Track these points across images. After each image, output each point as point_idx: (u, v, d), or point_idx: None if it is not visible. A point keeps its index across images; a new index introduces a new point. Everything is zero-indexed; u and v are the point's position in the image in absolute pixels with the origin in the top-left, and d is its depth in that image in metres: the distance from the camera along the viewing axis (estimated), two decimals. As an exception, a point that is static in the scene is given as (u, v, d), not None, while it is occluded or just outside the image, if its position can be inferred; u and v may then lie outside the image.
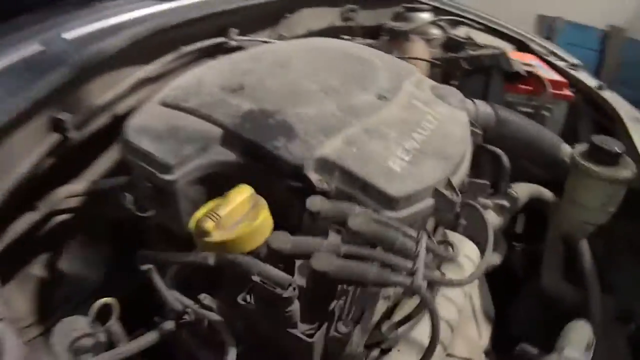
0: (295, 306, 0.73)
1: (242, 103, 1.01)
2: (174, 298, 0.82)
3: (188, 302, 0.82)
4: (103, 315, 0.83)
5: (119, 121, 1.05)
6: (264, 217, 0.80)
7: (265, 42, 1.58)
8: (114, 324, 0.82)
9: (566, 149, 1.41)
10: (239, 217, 0.79)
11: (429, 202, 0.94)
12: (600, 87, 1.75)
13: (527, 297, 1.43)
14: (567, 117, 1.69)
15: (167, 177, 0.88)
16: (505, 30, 2.19)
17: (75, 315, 0.86)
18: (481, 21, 2.24)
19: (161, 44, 1.36)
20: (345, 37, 1.93)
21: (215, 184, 0.91)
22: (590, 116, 1.74)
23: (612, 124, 1.61)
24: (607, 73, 4.33)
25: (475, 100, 1.35)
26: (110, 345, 0.83)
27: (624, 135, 1.48)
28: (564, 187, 1.39)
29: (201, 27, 1.46)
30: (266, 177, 0.89)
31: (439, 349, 0.89)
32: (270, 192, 0.86)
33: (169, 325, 0.83)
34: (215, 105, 1.00)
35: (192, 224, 0.78)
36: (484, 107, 1.35)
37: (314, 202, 0.80)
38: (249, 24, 1.64)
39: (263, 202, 0.82)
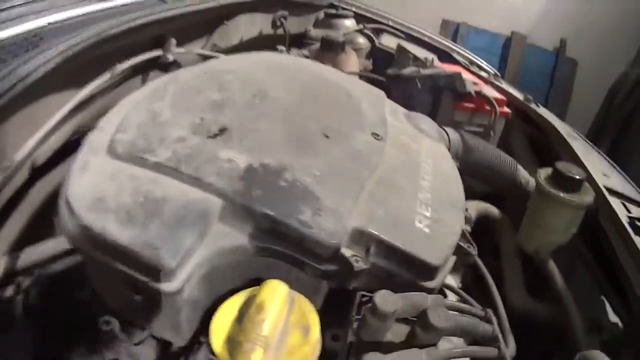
0: None
1: (234, 156, 0.79)
2: None
3: None
4: None
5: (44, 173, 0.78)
6: (316, 325, 0.64)
7: (208, 55, 1.36)
8: None
9: (523, 172, 1.43)
10: (281, 324, 0.63)
11: (452, 259, 0.86)
12: (527, 100, 1.80)
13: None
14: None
15: (167, 286, 0.64)
16: (427, 40, 2.18)
17: None
18: (403, 29, 2.20)
19: (91, 63, 1.08)
20: (280, 47, 1.77)
21: (221, 274, 0.72)
22: (521, 130, 1.79)
23: (546, 138, 1.67)
24: (509, 77, 4.54)
25: (445, 129, 1.28)
26: None
27: (564, 151, 1.54)
28: (517, 206, 1.41)
29: (136, 38, 1.20)
30: (289, 261, 0.72)
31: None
32: (293, 277, 0.70)
33: None
34: (200, 161, 0.77)
35: (230, 356, 0.59)
36: (453, 135, 1.30)
37: (387, 300, 0.66)
38: (183, 33, 1.41)
39: (303, 300, 0.66)
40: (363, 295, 0.74)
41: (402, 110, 1.22)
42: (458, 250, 0.88)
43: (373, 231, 0.74)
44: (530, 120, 1.76)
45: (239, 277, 0.73)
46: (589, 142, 1.60)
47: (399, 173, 0.91)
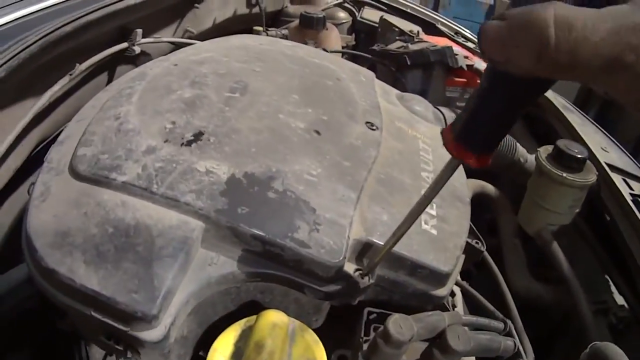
0: None
1: (213, 166, 0.68)
2: None
3: None
4: None
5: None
6: (323, 357, 0.56)
7: (179, 43, 1.24)
8: None
9: (521, 150, 1.35)
10: (287, 349, 0.55)
11: (462, 259, 0.79)
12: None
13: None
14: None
15: (150, 335, 0.55)
16: (410, 11, 2.06)
17: None
18: (384, 0, 2.08)
19: (46, 68, 0.96)
20: (257, 27, 1.64)
21: (210, 305, 0.63)
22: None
23: (540, 111, 1.59)
24: None
25: (440, 109, 1.19)
26: None
27: (560, 125, 1.47)
28: (512, 182, 1.35)
29: (96, 33, 1.07)
30: (286, 284, 0.63)
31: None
32: (292, 298, 0.61)
33: None
34: (174, 176, 0.65)
35: None
36: (449, 116, 1.21)
37: (400, 326, 0.57)
38: (151, 22, 1.28)
39: (305, 330, 0.58)
40: (370, 313, 0.67)
41: (394, 91, 1.13)
42: (466, 248, 0.80)
43: (378, 241, 0.66)
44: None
45: (232, 303, 0.64)
46: (583, 113, 1.53)
47: (398, 167, 0.82)
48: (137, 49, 1.28)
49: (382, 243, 0.66)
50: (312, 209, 0.66)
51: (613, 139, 1.44)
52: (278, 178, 0.69)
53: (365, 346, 0.62)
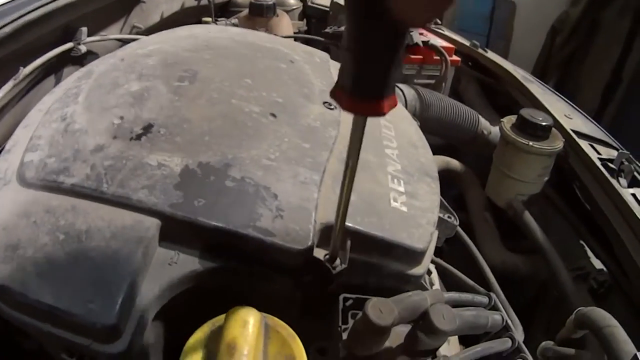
0: None
1: (165, 159, 0.63)
2: None
3: None
4: None
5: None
6: (301, 352, 0.51)
7: (127, 39, 1.17)
8: None
9: (484, 123, 1.34)
10: (261, 347, 0.50)
11: (435, 234, 0.76)
12: (474, 46, 1.70)
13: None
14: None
15: (113, 347, 0.50)
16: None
17: None
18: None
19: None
20: (206, 19, 1.57)
21: (176, 305, 0.57)
22: (472, 78, 1.69)
23: (499, 84, 1.59)
24: (447, 23, 4.28)
25: (399, 86, 1.16)
26: None
27: (521, 96, 1.46)
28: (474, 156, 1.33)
29: (39, 34, 1.00)
30: (253, 277, 0.58)
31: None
32: (260, 295, 0.57)
33: None
34: (125, 173, 0.60)
35: None
36: (409, 92, 1.18)
37: (381, 311, 0.52)
38: (96, 19, 1.20)
39: (279, 325, 0.53)
40: (346, 299, 0.62)
41: None
42: (439, 223, 0.77)
43: (348, 224, 0.62)
44: (480, 67, 1.66)
45: (198, 303, 0.58)
46: (543, 84, 1.53)
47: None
48: (83, 48, 1.22)
49: (351, 225, 0.61)
50: (273, 194, 0.61)
51: (575, 106, 1.44)
52: (235, 165, 0.64)
53: (344, 335, 0.58)
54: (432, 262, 0.86)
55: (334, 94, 0.41)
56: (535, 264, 1.22)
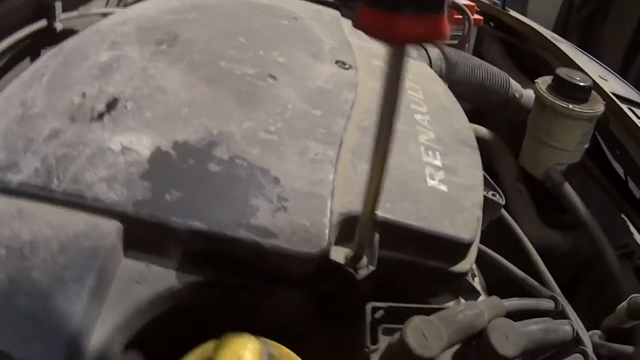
0: None
1: (131, 140, 0.47)
2: None
3: None
4: None
5: None
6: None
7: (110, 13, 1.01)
8: None
9: (515, 85, 1.16)
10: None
11: (481, 220, 0.59)
12: (495, 4, 1.51)
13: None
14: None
15: None
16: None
17: None
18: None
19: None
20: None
21: (153, 332, 0.42)
22: (495, 38, 1.50)
23: (525, 44, 1.40)
24: None
25: (423, 45, 0.99)
26: None
27: (551, 57, 1.28)
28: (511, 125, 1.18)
29: (8, 8, 0.85)
30: (250, 293, 0.43)
31: None
32: (261, 315, 0.41)
33: None
34: (80, 164, 0.46)
35: None
36: (433, 52, 1.00)
37: (425, 334, 0.36)
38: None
39: (284, 354, 0.38)
40: (375, 309, 0.46)
41: None
42: (484, 204, 0.60)
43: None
44: (503, 27, 1.47)
45: (179, 329, 0.43)
46: (571, 44, 1.34)
47: None
48: (59, 26, 1.06)
49: (380, 214, 0.45)
50: (274, 179, 0.45)
51: (608, 68, 1.26)
52: (222, 143, 0.48)
53: (374, 358, 0.42)
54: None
55: (359, 17, 0.29)
56: (577, 241, 1.06)
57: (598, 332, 0.71)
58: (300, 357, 0.40)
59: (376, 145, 0.36)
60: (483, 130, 1.26)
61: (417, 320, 0.37)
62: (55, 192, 0.44)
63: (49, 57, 0.69)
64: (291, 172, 0.46)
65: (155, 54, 0.61)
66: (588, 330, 0.66)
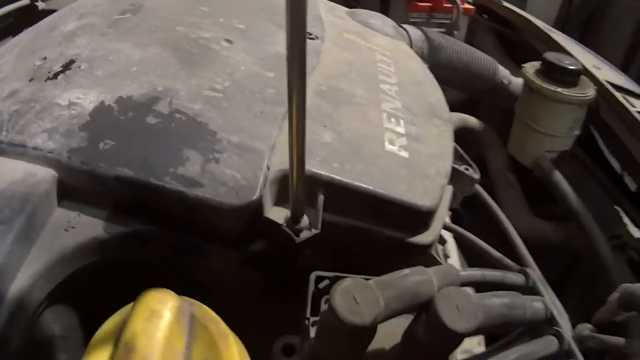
0: None
1: (79, 96, 0.46)
2: None
3: None
4: None
5: None
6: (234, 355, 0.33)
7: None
8: None
9: (503, 71, 1.12)
10: (180, 349, 0.32)
11: (449, 191, 0.56)
12: (489, -4, 1.48)
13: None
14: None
15: None
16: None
17: None
18: None
19: None
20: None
21: (79, 290, 0.40)
22: (488, 28, 1.47)
23: (518, 35, 1.36)
24: None
25: (404, 26, 0.95)
26: None
27: (544, 46, 1.24)
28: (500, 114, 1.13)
29: None
30: (179, 250, 0.40)
31: None
32: (200, 271, 0.38)
33: None
34: (29, 118, 0.45)
35: None
36: (414, 32, 0.97)
37: (356, 298, 0.32)
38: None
39: (208, 316, 0.34)
40: (320, 278, 0.42)
41: (343, 9, 0.89)
42: (453, 176, 0.57)
43: (319, 171, 0.42)
44: (496, 20, 1.44)
45: (107, 284, 0.40)
46: (565, 36, 1.30)
47: (347, 78, 0.59)
48: (41, 5, 1.05)
49: (324, 173, 0.42)
50: (210, 132, 0.42)
51: (603, 58, 1.22)
52: (164, 98, 0.45)
53: (313, 331, 0.38)
54: (447, 228, 0.66)
55: None
56: (568, 232, 1.01)
57: (588, 325, 0.66)
58: (243, 328, 0.36)
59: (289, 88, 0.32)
60: (473, 121, 1.22)
61: (348, 282, 0.33)
62: (2, 143, 0.43)
63: (27, 31, 0.70)
64: (231, 126, 0.44)
65: (118, 21, 0.60)
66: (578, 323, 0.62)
